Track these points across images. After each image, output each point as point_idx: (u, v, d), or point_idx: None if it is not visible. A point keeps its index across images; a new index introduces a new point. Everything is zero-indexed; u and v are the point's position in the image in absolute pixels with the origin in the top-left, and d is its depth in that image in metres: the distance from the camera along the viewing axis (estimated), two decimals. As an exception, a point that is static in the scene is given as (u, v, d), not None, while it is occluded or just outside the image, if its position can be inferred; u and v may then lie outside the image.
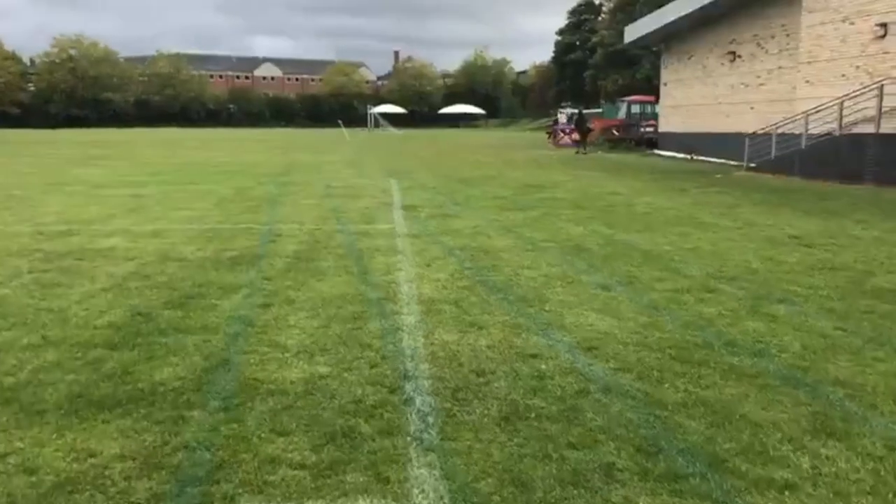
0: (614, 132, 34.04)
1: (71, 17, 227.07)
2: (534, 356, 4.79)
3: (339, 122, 73.89)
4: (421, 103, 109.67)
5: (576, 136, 35.82)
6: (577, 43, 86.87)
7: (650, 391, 4.21)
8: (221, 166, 23.05)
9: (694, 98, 27.84)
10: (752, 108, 24.26)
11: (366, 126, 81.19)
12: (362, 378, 4.39)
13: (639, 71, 70.55)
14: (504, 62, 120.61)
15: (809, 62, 20.45)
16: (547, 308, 6.01)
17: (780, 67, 23.16)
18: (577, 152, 31.54)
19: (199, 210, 12.24)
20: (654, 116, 36.85)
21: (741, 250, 8.61)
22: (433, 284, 6.84)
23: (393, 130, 77.03)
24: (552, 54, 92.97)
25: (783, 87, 22.80)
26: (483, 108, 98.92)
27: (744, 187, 16.66)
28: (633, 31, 30.24)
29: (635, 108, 37.52)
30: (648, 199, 14.14)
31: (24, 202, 13.32)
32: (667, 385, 4.30)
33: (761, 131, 21.16)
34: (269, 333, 5.28)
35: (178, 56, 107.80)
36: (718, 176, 19.70)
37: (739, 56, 24.98)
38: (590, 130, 35.00)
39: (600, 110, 64.93)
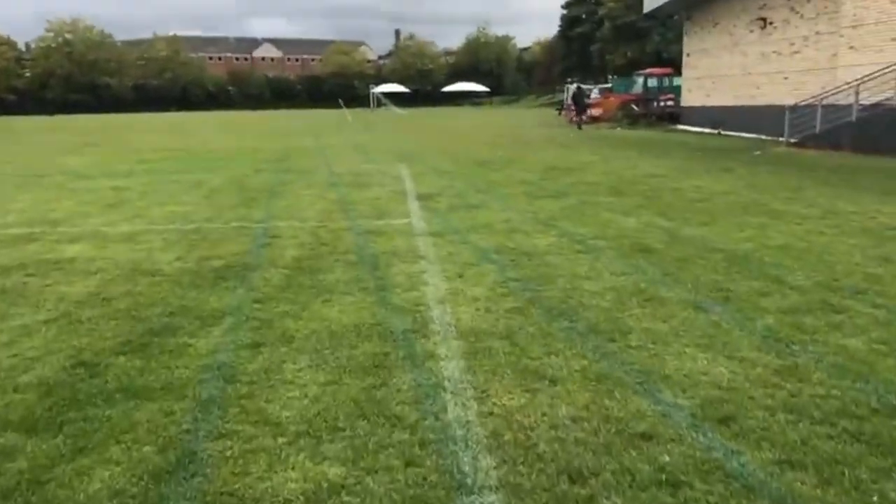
0: (634, 107, 32.22)
1: (67, 2, 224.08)
2: (645, 437, 3.24)
3: (340, 102, 71.91)
4: (423, 82, 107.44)
5: (594, 112, 34.17)
6: (584, 16, 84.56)
7: (853, 511, 2.67)
8: (217, 152, 21.46)
9: (720, 69, 26.04)
10: (785, 77, 22.50)
11: (368, 106, 79.26)
12: (394, 490, 2.85)
13: (648, 44, 68.70)
14: (507, 39, 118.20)
15: (854, 26, 18.72)
16: (633, 344, 4.45)
17: (817, 33, 21.36)
18: (579, 127, 30.79)
19: (186, 205, 10.68)
20: (673, 90, 35.14)
21: (843, 248, 7.01)
22: (472, 306, 5.29)
23: (396, 110, 75.06)
24: (558, 28, 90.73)
25: (821, 55, 21.03)
26: (487, 86, 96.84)
27: (796, 165, 15.01)
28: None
29: (652, 82, 35.63)
30: (694, 181, 12.51)
31: (-11, 198, 11.78)
32: (875, 498, 2.75)
33: (803, 103, 19.45)
34: (257, 398, 3.74)
35: (175, 38, 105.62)
36: (758, 153, 18.03)
37: (771, 22, 23.16)
38: (588, 106, 34.73)
39: (609, 85, 63.13)
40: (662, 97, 34.25)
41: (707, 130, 25.92)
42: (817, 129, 18.38)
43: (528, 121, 44.36)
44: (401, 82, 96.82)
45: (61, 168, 16.80)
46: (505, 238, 7.81)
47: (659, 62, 54.93)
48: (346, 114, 57.78)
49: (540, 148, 21.17)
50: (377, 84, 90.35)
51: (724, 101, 25.52)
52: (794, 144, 18.88)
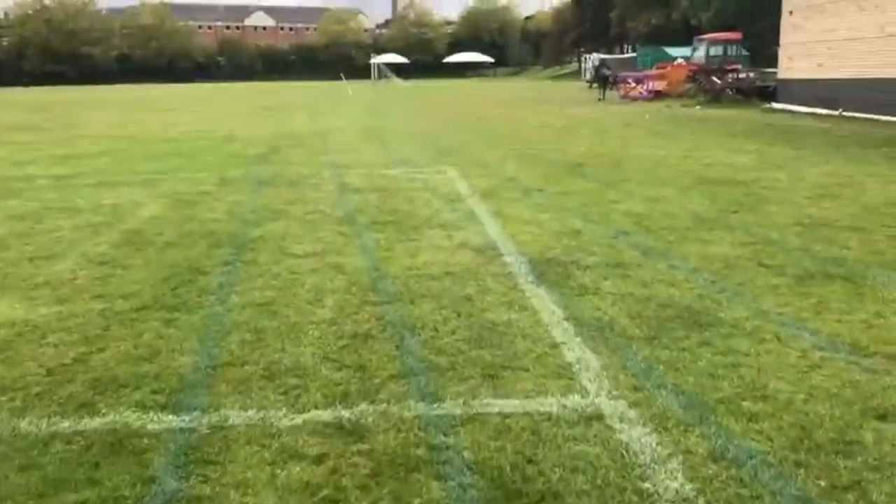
0: (716, 80, 26.17)
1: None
2: None
3: (341, 74, 65.34)
4: (424, 52, 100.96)
5: (656, 85, 28.40)
6: (601, -20, 78.17)
7: None
8: (179, 141, 15.57)
9: (840, 31, 20.03)
10: (948, 40, 16.66)
11: (367, 78, 72.69)
12: None
13: (674, 10, 62.44)
14: (510, 6, 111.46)
15: None
16: None
17: None
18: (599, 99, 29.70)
19: (35, 304, 4.87)
20: (740, 59, 29.41)
21: None
22: None
23: (399, 82, 68.79)
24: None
25: None
26: (490, 56, 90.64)
27: None
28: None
29: (716, 50, 29.65)
30: None
31: None
32: None
33: None
34: None
35: (163, 5, 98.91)
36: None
37: (927, -35, 17.26)
38: (614, 79, 32.82)
39: (634, 54, 57.07)
40: (728, 67, 28.34)
41: (820, 111, 20.02)
42: None
43: (555, 94, 38.36)
44: (399, 53, 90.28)
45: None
46: None
47: (686, 30, 49.23)
48: (347, 87, 51.37)
49: (630, 138, 15.22)
50: (375, 54, 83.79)
51: (846, 74, 19.56)
52: None
